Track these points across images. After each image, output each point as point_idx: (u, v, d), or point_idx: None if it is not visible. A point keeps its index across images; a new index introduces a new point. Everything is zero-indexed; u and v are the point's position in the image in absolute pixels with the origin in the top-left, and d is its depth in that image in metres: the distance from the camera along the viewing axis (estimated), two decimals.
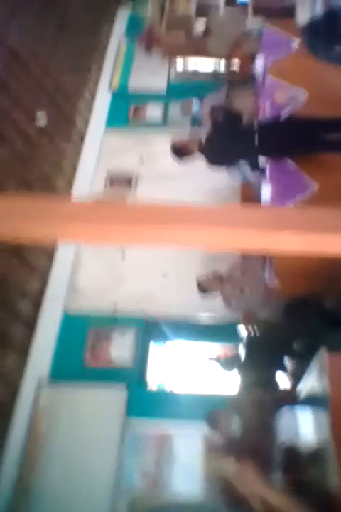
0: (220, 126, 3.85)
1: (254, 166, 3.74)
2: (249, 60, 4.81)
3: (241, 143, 3.65)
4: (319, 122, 3.57)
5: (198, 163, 3.83)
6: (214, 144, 3.68)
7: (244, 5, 5.66)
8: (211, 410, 2.87)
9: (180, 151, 3.79)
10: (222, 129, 3.79)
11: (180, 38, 5.26)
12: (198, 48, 5.13)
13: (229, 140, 3.65)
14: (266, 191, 3.55)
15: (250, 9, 5.54)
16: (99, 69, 5.93)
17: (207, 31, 4.92)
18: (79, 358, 3.81)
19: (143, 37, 5.95)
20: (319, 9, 4.83)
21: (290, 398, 2.67)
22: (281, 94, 4.07)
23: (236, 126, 3.75)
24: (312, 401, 2.46)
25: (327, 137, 3.57)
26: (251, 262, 3.51)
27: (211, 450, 2.92)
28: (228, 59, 5.09)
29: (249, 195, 4.06)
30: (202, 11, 5.72)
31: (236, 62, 5.11)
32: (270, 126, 3.80)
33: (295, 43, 4.35)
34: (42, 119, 4.38)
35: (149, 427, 3.41)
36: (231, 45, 4.87)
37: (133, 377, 3.70)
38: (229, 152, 3.72)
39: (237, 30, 4.89)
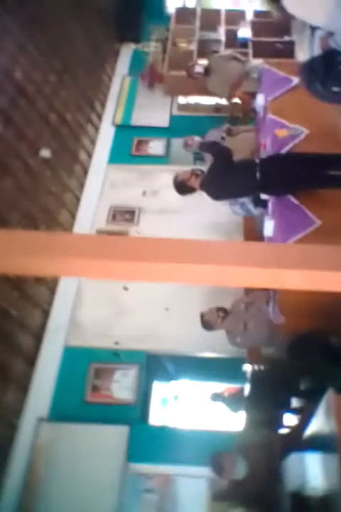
0: (216, 161, 3.88)
1: (257, 201, 3.76)
2: (249, 97, 4.92)
3: (242, 178, 3.68)
4: (320, 158, 3.61)
5: (200, 198, 3.85)
6: (215, 179, 3.70)
7: (245, 45, 5.84)
8: (215, 453, 2.74)
9: (182, 186, 3.81)
10: (218, 164, 3.82)
11: (182, 76, 5.37)
12: (199, 86, 5.24)
13: (228, 175, 3.67)
14: (269, 226, 3.55)
15: (250, 49, 5.71)
16: (103, 104, 6.06)
17: (208, 71, 5.03)
18: (80, 394, 3.74)
19: (146, 74, 6.12)
20: (317, 49, 4.98)
21: (298, 441, 2.59)
22: (282, 131, 4.13)
23: (226, 161, 3.77)
24: (321, 443, 2.38)
25: (328, 173, 3.60)
26: (255, 297, 3.48)
27: (216, 496, 2.78)
28: (229, 98, 5.20)
29: (252, 230, 4.07)
30: (203, 50, 5.89)
31: (237, 100, 5.22)
32: (271, 161, 3.84)
33: (295, 80, 4.44)
34: (46, 152, 4.44)
35: (151, 470, 3.29)
36: (232, 84, 4.98)
37: (135, 414, 3.63)
38: (230, 187, 3.74)
39: (238, 70, 5.02)
